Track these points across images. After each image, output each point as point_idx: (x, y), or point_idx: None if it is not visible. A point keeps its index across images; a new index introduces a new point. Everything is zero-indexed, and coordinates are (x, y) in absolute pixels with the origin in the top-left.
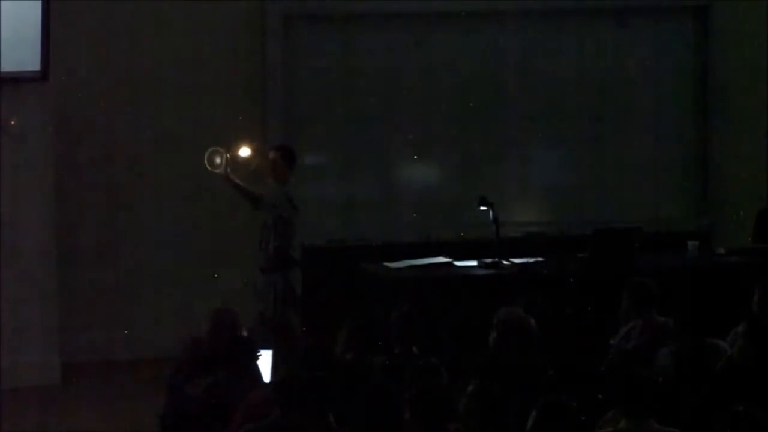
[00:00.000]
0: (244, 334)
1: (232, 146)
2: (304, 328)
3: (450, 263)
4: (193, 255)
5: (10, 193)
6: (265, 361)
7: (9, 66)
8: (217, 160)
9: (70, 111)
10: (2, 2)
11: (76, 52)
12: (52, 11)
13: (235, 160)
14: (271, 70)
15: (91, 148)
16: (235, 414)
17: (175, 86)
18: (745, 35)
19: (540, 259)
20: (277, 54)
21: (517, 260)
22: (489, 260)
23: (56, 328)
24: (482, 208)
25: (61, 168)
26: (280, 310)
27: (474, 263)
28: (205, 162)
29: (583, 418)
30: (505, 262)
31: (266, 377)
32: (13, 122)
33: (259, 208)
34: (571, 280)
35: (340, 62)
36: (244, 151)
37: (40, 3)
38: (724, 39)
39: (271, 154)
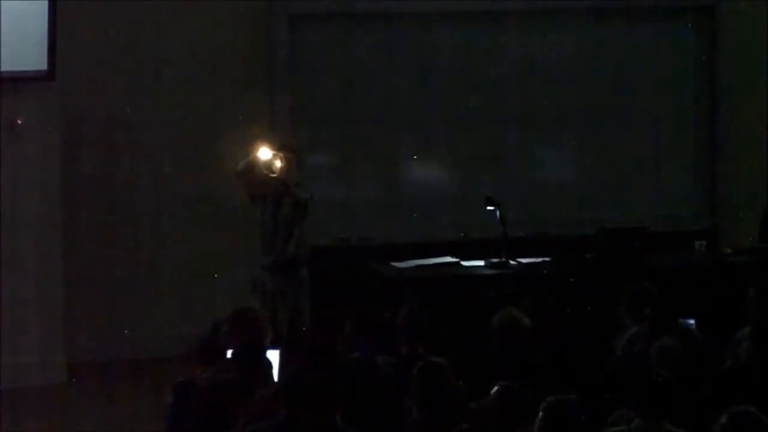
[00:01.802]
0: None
1: (252, 148)
2: (304, 328)
3: (457, 263)
4: (194, 255)
5: (15, 192)
6: (272, 361)
7: (14, 65)
8: (278, 164)
9: (75, 111)
10: (8, 2)
11: (81, 52)
12: (57, 11)
13: (255, 162)
14: (277, 70)
15: (94, 148)
16: (242, 413)
17: (179, 86)
18: (750, 34)
19: (547, 258)
20: (283, 54)
21: (523, 260)
22: (495, 260)
23: (61, 327)
24: (489, 207)
25: (65, 167)
26: (296, 310)
27: (481, 263)
28: (263, 167)
29: (589, 418)
30: (512, 262)
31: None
32: (19, 121)
33: (302, 210)
34: (579, 279)
35: (345, 61)
36: (265, 153)
37: (43, 2)
38: (729, 38)
39: (287, 155)
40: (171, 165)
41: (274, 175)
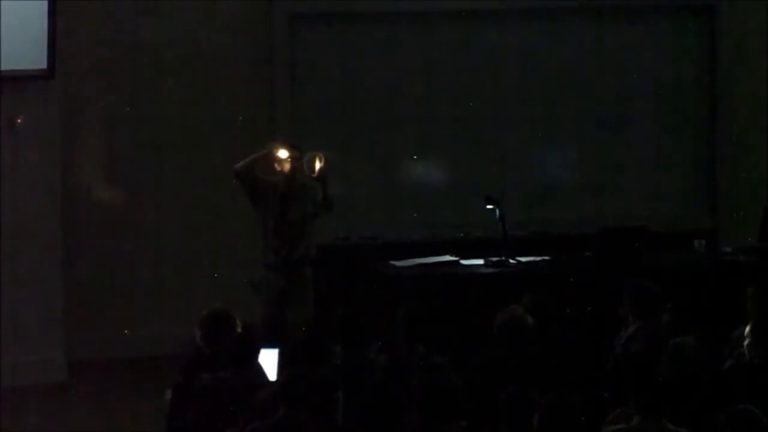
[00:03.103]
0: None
1: (270, 147)
2: (304, 328)
3: (456, 262)
4: (194, 255)
5: (16, 191)
6: (271, 360)
7: (14, 64)
8: (317, 165)
9: (75, 110)
10: (8, 0)
11: (81, 52)
12: (57, 10)
13: (267, 159)
14: (277, 70)
15: (95, 147)
16: (242, 412)
17: (179, 86)
18: (752, 34)
19: (546, 257)
20: (283, 54)
21: (523, 259)
22: (495, 259)
23: (62, 325)
24: (488, 206)
25: (65, 166)
26: (301, 309)
27: (480, 262)
28: (305, 166)
29: (589, 417)
30: (511, 261)
31: (273, 376)
32: (19, 120)
33: (329, 209)
34: (578, 278)
35: (345, 61)
36: (282, 153)
37: (43, 1)
38: (732, 37)
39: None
40: (171, 165)
41: (314, 175)
